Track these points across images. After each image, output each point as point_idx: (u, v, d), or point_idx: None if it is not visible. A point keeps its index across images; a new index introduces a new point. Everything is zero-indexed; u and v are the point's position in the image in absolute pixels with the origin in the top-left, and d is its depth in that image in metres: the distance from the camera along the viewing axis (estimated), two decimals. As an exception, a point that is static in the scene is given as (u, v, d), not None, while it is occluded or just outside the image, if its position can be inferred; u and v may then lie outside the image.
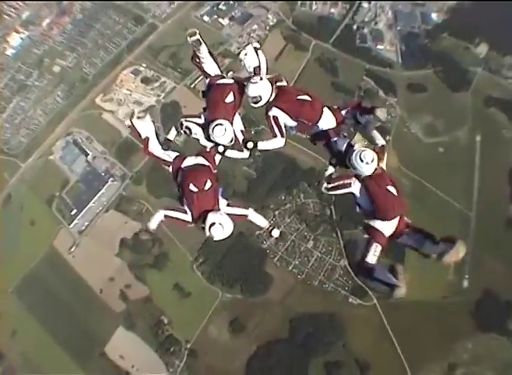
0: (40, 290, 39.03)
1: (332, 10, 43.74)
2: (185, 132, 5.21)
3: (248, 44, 5.18)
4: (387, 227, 4.65)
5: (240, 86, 5.13)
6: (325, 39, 42.63)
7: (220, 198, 4.80)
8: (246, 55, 5.09)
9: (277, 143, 4.99)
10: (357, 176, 4.69)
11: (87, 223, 40.31)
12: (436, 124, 38.85)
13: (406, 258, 34.61)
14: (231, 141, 4.93)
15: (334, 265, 36.48)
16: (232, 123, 4.94)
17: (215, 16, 44.35)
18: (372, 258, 4.66)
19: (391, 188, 4.62)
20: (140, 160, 40.53)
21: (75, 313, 37.97)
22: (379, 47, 41.96)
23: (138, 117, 5.05)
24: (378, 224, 4.64)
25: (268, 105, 4.94)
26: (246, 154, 5.13)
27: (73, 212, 40.66)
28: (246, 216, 4.87)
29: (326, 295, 35.32)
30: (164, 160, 5.00)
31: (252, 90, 4.89)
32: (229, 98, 4.99)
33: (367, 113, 4.87)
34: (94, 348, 36.98)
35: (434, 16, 42.61)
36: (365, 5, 43.49)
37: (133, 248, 38.85)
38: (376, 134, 4.93)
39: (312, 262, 36.72)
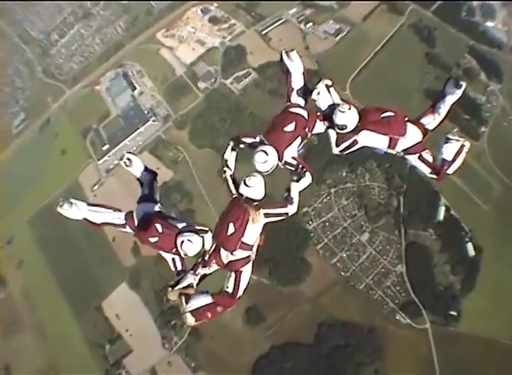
0: (53, 224, 35.89)
1: (439, -25, 38.14)
2: None
3: (319, 81, 4.67)
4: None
5: (310, 120, 4.71)
6: (425, 5, 37.56)
7: None
8: (318, 94, 4.72)
9: (307, 181, 4.48)
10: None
11: (116, 162, 36.90)
12: (546, 122, 32.12)
13: (479, 284, 28.97)
14: (270, 169, 4.42)
15: (388, 269, 30.20)
16: (282, 153, 4.53)
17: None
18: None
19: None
20: (189, 103, 37.21)
21: (82, 257, 35.03)
22: (489, 24, 36.65)
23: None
24: None
25: (357, 129, 4.57)
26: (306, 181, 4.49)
27: (105, 148, 37.75)
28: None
29: (370, 304, 29.76)
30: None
31: (339, 118, 4.50)
32: (289, 128, 4.59)
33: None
34: (92, 299, 33.61)
35: (559, -4, 35.98)
36: (479, -24, 37.66)
37: (158, 198, 34.79)
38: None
39: (362, 260, 30.70)
